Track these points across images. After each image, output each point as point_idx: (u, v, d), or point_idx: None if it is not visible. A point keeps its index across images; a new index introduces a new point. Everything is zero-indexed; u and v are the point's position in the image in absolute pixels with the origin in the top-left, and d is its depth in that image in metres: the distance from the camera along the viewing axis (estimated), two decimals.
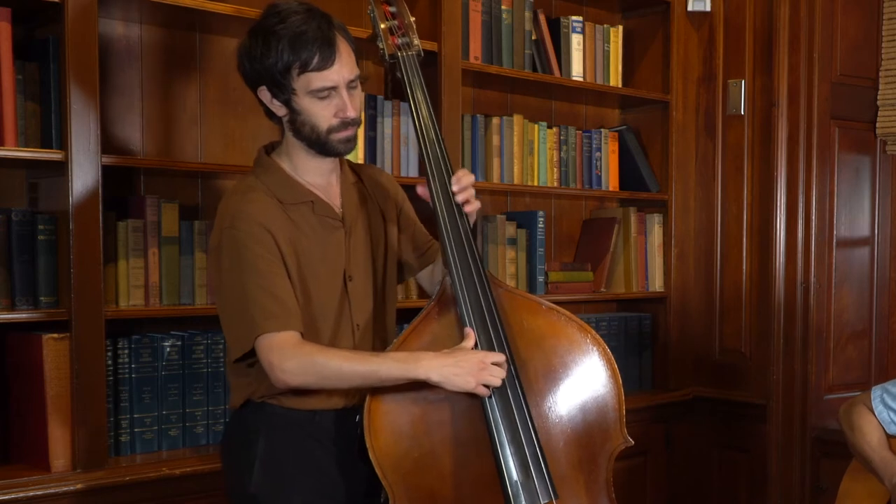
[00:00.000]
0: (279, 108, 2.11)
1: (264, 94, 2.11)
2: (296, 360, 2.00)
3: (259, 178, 2.15)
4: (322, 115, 2.08)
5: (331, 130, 2.10)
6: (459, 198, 2.17)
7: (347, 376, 2.03)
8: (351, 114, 2.10)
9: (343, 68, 2.07)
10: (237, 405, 2.19)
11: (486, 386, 2.06)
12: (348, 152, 2.18)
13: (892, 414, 2.59)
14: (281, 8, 2.08)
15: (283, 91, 2.07)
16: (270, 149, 2.24)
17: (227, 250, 2.05)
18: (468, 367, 2.03)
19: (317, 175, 2.19)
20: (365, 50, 3.18)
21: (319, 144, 2.12)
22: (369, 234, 2.26)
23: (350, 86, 2.11)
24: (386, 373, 2.02)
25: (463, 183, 2.18)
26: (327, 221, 2.17)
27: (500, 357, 2.08)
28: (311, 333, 2.09)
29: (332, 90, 2.08)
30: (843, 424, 2.69)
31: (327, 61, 2.05)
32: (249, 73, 2.11)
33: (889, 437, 2.61)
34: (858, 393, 2.74)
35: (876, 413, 2.60)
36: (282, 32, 2.03)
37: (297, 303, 2.06)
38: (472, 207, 2.20)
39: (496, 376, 2.06)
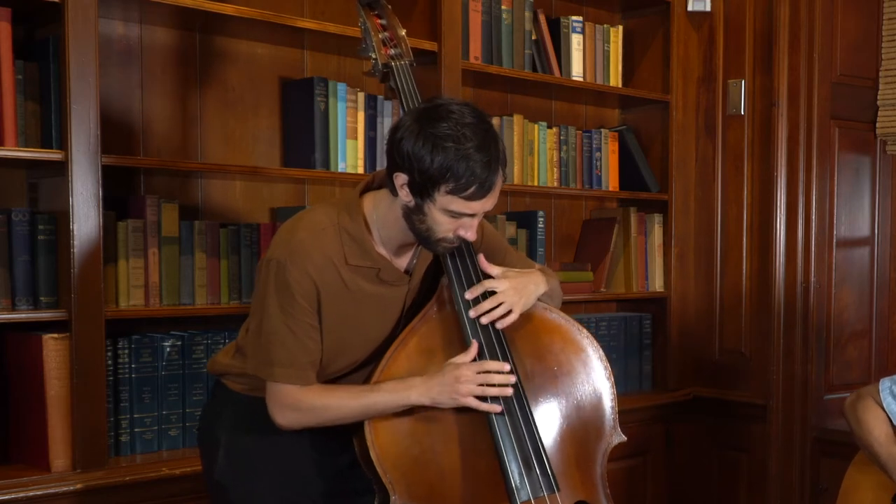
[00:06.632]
0: (405, 196, 2.02)
1: (400, 179, 2.01)
2: (295, 412, 2.08)
3: (340, 222, 2.09)
4: (444, 227, 2.03)
5: (443, 240, 2.05)
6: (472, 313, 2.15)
7: (346, 416, 2.09)
8: (471, 237, 2.06)
9: (488, 202, 2.01)
10: (213, 370, 2.29)
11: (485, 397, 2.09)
12: (443, 253, 2.14)
13: None
14: (456, 119, 1.97)
15: (421, 194, 1.99)
16: (369, 184, 2.17)
17: (274, 285, 2.04)
18: (452, 384, 2.06)
19: (398, 246, 2.15)
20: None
21: (423, 240, 2.07)
22: (422, 284, 2.24)
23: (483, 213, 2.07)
24: (382, 405, 2.07)
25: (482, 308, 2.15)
26: (391, 283, 2.15)
27: (492, 365, 2.09)
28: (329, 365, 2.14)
29: (466, 215, 2.03)
30: (848, 417, 2.64)
31: (480, 195, 1.99)
32: (401, 158, 1.99)
33: None
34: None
35: (885, 406, 2.55)
36: (450, 150, 1.94)
37: (315, 357, 2.09)
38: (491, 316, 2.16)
39: (479, 383, 2.07)
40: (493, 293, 2.15)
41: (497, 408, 2.09)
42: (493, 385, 2.08)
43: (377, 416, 2.08)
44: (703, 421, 3.98)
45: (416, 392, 2.06)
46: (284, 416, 2.08)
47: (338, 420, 2.10)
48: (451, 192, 1.97)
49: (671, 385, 3.97)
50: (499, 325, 2.14)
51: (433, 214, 2.01)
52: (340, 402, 2.08)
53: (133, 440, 2.71)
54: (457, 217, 2.01)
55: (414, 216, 2.03)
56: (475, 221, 2.05)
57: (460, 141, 1.95)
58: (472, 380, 2.06)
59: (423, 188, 1.98)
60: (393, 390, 2.07)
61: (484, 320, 2.13)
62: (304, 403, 2.07)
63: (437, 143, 1.95)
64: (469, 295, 2.13)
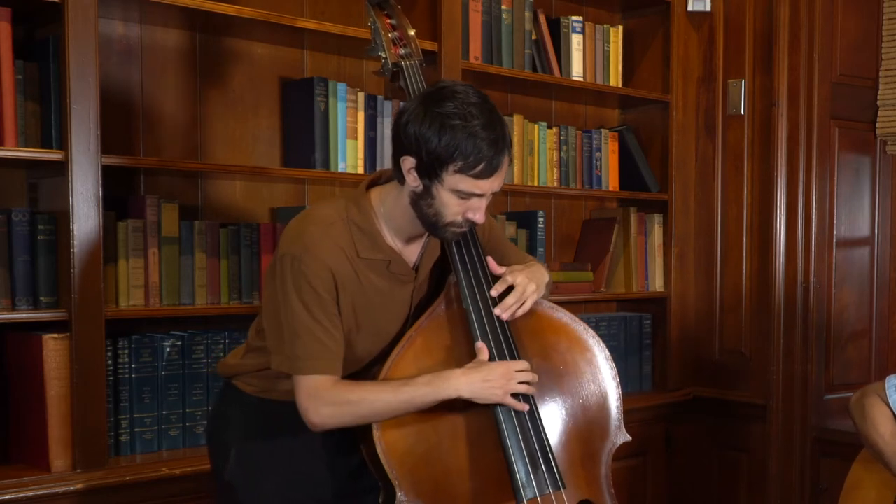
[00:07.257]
0: (413, 181, 2.02)
1: (407, 162, 2.01)
2: (330, 406, 2.03)
3: (348, 215, 2.09)
4: (453, 209, 2.03)
5: (452, 224, 2.05)
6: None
7: (382, 411, 2.05)
8: (479, 219, 2.06)
9: (496, 181, 2.02)
10: (223, 373, 2.28)
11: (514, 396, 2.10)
12: (452, 241, 2.15)
13: None
14: (462, 99, 1.98)
15: (429, 175, 1.99)
16: (375, 180, 2.17)
17: (292, 279, 2.03)
18: (496, 380, 2.06)
19: (406, 237, 2.15)
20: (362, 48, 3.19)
21: (431, 227, 2.07)
22: (429, 283, 2.24)
23: (491, 194, 2.07)
24: (420, 399, 2.04)
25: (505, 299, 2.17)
26: (399, 277, 2.15)
27: (524, 365, 2.11)
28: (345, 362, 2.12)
29: (475, 195, 2.04)
30: (853, 414, 2.65)
31: (488, 174, 1.99)
32: (408, 140, 2.00)
33: None
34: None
35: (890, 403, 2.55)
36: (458, 128, 1.95)
37: (341, 346, 2.06)
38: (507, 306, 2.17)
39: (524, 382, 2.09)
40: (510, 288, 2.17)
41: (526, 406, 2.11)
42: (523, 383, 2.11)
43: (415, 410, 2.05)
44: (703, 421, 3.98)
45: (455, 384, 2.04)
46: (319, 413, 2.03)
47: (373, 416, 2.05)
48: (459, 171, 1.97)
49: (671, 385, 3.96)
50: (513, 317, 2.16)
51: (441, 196, 2.01)
52: (377, 396, 2.04)
53: (133, 440, 2.71)
54: (465, 198, 2.01)
55: (422, 201, 2.04)
56: (483, 203, 2.05)
57: (467, 119, 1.96)
58: (519, 378, 2.08)
59: (431, 169, 1.99)
60: (430, 383, 2.04)
61: (505, 316, 2.15)
62: (338, 397, 2.02)
63: (445, 122, 1.96)
64: (494, 292, 2.15)
